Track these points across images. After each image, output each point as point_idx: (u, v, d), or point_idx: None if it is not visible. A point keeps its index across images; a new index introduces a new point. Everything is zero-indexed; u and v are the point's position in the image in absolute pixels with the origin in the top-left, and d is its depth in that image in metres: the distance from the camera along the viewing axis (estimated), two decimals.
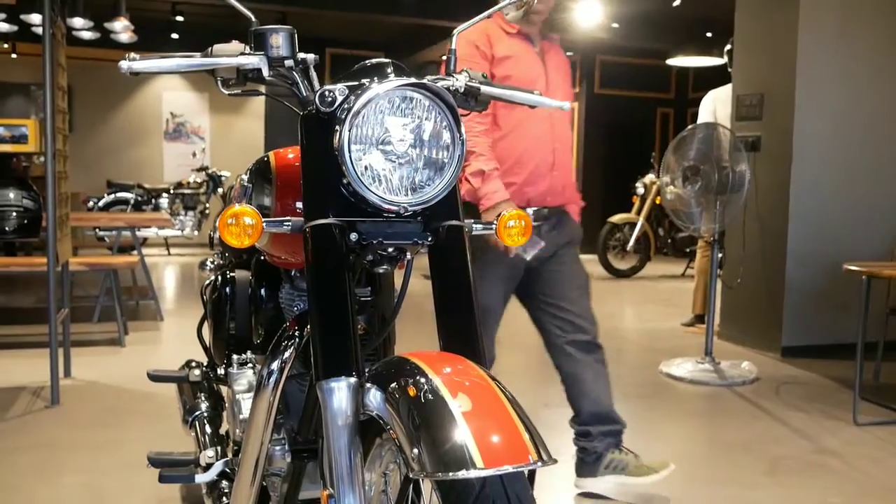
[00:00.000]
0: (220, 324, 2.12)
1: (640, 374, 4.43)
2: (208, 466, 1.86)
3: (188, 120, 10.94)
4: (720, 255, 4.46)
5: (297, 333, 1.57)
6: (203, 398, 2.29)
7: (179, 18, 9.16)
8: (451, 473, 0.96)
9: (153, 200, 9.52)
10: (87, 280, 6.31)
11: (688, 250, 8.75)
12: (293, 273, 1.74)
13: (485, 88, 1.45)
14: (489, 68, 2.39)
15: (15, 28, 7.94)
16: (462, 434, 0.99)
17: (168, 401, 3.54)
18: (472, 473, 0.95)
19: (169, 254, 9.85)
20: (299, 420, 1.62)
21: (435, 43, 9.22)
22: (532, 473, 1.05)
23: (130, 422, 3.30)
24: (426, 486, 1.20)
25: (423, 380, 1.09)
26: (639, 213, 8.57)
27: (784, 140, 4.81)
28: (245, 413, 1.77)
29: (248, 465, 1.61)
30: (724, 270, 5.04)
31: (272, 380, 1.55)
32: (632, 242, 8.42)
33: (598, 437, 2.54)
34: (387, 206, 1.27)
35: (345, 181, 1.26)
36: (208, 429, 2.18)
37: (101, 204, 9.06)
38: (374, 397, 1.16)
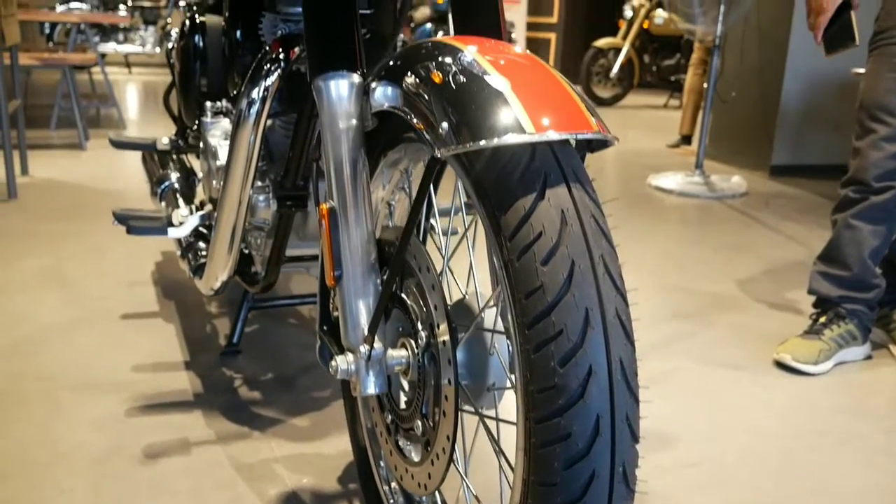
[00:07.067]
0: (190, 80, 1.87)
1: (627, 185, 4.28)
2: (182, 225, 1.67)
3: None
4: (718, 64, 4.20)
5: (280, 56, 1.33)
6: (172, 168, 2.08)
7: None
8: (487, 141, 0.75)
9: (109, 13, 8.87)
10: (44, 87, 5.91)
11: (672, 79, 8.46)
12: None
13: None
14: None
15: None
16: (506, 101, 0.78)
17: (140, 197, 3.32)
18: (517, 138, 0.74)
19: (130, 72, 9.32)
20: (285, 165, 1.43)
21: None
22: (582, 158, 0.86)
23: (94, 215, 3.09)
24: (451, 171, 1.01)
25: (449, 60, 0.86)
26: (625, 37, 8.20)
27: None
28: (222, 159, 1.57)
29: (227, 214, 1.43)
30: (719, 84, 4.81)
31: (253, 111, 1.33)
32: (616, 69, 8.10)
33: None
34: None
35: None
36: (181, 201, 1.98)
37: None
38: (386, 92, 0.95)
